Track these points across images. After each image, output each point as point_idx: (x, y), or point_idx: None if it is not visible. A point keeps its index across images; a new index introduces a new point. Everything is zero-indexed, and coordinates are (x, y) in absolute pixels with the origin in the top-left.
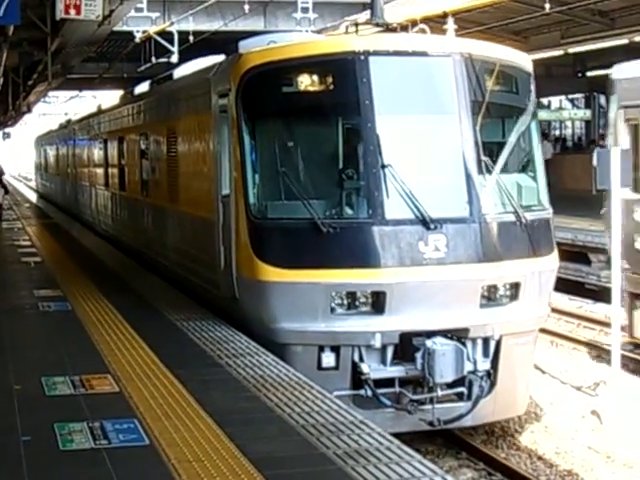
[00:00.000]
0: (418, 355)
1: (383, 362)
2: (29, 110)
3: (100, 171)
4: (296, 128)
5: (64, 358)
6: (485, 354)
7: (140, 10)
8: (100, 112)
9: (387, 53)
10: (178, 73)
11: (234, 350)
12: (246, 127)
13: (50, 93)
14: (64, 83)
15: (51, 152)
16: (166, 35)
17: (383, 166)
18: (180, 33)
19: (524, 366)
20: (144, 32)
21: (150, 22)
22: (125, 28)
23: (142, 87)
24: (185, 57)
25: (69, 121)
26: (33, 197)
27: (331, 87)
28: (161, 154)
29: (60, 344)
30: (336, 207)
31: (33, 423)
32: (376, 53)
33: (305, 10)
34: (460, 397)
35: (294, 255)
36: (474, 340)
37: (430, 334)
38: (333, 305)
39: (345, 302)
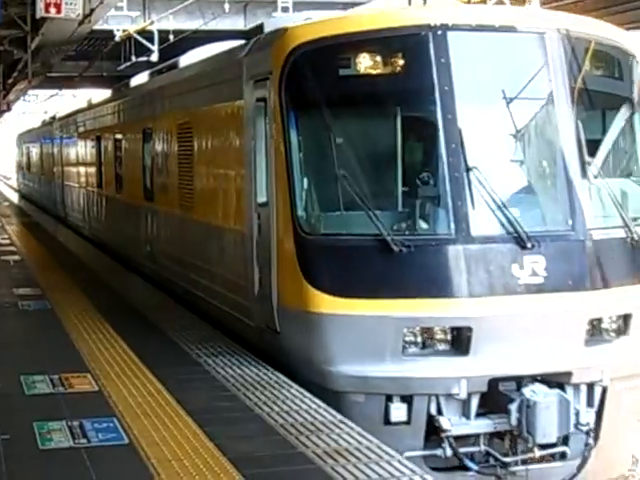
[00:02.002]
0: (513, 407)
1: (466, 415)
2: (9, 108)
3: (92, 171)
4: (356, 121)
5: (43, 357)
6: (589, 403)
7: (120, 9)
8: (91, 107)
9: (469, 28)
10: (186, 60)
11: (213, 349)
12: (293, 119)
13: (30, 92)
14: (44, 81)
15: (34, 151)
16: (146, 34)
17: (467, 169)
18: (160, 32)
19: (632, 416)
20: (124, 31)
21: (130, 21)
22: (105, 27)
23: (140, 78)
24: (165, 56)
25: (54, 117)
26: (12, 196)
27: (400, 70)
28: (169, 153)
29: (39, 343)
30: (408, 220)
31: (12, 422)
32: (456, 28)
33: (285, 9)
34: (557, 456)
35: (356, 281)
36: (577, 386)
37: (519, 379)
38: (405, 344)
39: (419, 340)
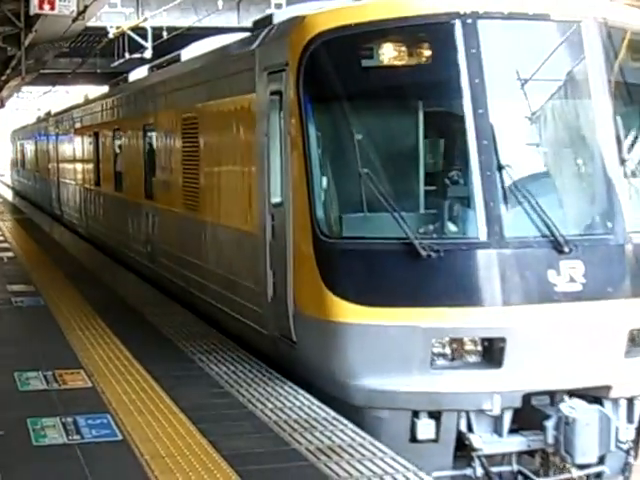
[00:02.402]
0: (549, 424)
1: (498, 431)
2: (2, 105)
3: (89, 168)
4: (380, 116)
5: (37, 353)
6: (629, 419)
7: (114, 5)
8: (89, 102)
9: (501, 16)
10: (189, 53)
11: (207, 346)
12: (312, 114)
13: (24, 88)
14: (37, 78)
15: (29, 147)
16: (140, 31)
17: (500, 167)
18: (154, 29)
19: None
20: (118, 28)
21: (124, 18)
22: (99, 24)
23: (140, 72)
24: (159, 53)
25: (49, 113)
26: (6, 193)
27: (428, 61)
28: (172, 150)
29: (33, 339)
30: (436, 222)
31: (6, 418)
32: (487, 16)
33: (278, 6)
34: (592, 476)
35: (380, 288)
36: (616, 401)
37: (552, 393)
38: (433, 356)
39: (448, 351)
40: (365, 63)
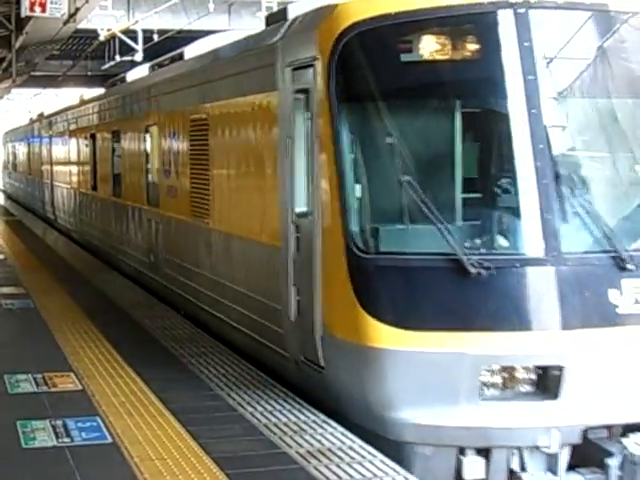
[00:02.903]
0: (612, 463)
1: (553, 470)
2: None
3: (85, 171)
4: (422, 117)
5: (27, 356)
6: None
7: (105, 8)
8: (85, 103)
9: (555, 5)
10: (193, 51)
11: (197, 349)
12: (344, 114)
13: (14, 90)
14: (28, 81)
15: (21, 149)
16: (131, 33)
17: (557, 175)
18: (145, 31)
19: None
20: (109, 30)
21: (115, 20)
22: (90, 26)
23: (140, 72)
24: (149, 56)
25: (42, 115)
26: None
27: (474, 55)
28: (179, 153)
29: (23, 342)
30: (484, 236)
31: None
32: (541, 5)
33: (269, 9)
34: None
35: (423, 309)
36: None
37: (610, 426)
38: (482, 385)
39: (499, 381)
40: (405, 58)
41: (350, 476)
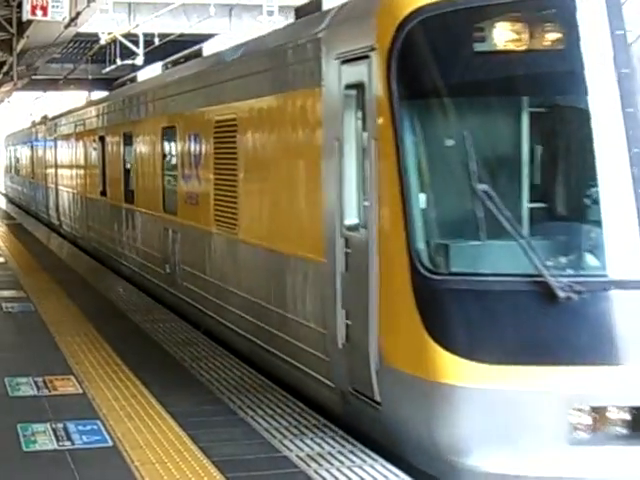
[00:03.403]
0: None
1: None
2: None
3: (94, 176)
4: (499, 117)
5: (27, 359)
6: None
7: (105, 12)
8: (93, 104)
9: None
10: (213, 47)
11: (197, 352)
12: (409, 114)
13: (15, 94)
14: (29, 84)
15: (24, 153)
16: (131, 37)
17: None
18: (145, 35)
19: None
20: (109, 34)
21: (116, 24)
22: (90, 30)
23: (153, 70)
24: (150, 59)
25: (46, 117)
26: None
27: (561, 46)
28: (200, 156)
29: (23, 345)
30: (569, 254)
31: None
32: None
33: (270, 13)
34: None
35: (504, 340)
36: None
37: None
38: (571, 428)
39: (590, 422)
40: (479, 47)
41: None
